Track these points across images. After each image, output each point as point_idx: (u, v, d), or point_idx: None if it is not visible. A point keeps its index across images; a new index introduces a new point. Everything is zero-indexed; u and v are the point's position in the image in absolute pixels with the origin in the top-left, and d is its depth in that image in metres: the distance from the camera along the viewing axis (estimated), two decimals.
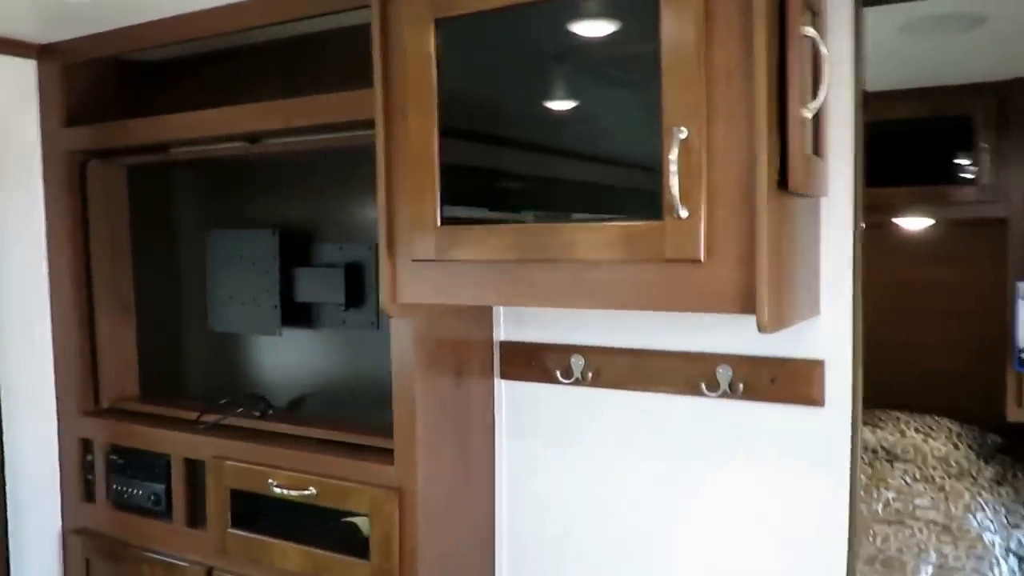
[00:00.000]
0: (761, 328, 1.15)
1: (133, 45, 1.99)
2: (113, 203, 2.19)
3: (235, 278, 2.01)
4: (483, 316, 1.77)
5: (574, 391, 1.71)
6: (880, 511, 2.89)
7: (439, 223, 1.42)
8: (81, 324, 2.15)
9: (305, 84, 1.88)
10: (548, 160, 1.38)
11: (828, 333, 1.46)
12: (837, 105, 1.42)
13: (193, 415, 2.00)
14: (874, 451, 3.55)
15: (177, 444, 1.97)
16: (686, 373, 1.57)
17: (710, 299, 1.20)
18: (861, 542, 1.62)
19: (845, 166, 1.43)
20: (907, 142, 3.39)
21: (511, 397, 1.80)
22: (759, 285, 1.15)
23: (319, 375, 2.05)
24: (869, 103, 3.27)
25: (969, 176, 3.21)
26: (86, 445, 2.16)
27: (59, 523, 2.20)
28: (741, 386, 1.51)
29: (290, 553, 1.76)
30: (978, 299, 3.70)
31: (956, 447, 3.39)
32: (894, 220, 3.50)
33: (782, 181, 1.18)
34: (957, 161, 3.26)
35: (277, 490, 1.75)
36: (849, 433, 1.45)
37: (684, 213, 1.18)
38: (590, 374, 1.67)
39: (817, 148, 1.36)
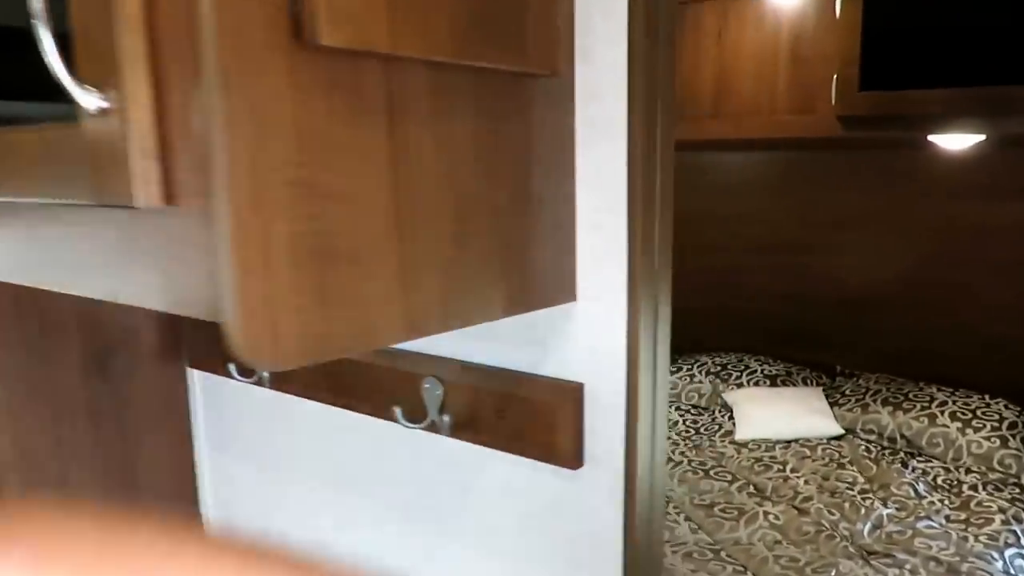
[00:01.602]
0: (239, 354, 0.52)
1: None
2: None
3: None
4: None
5: (258, 394, 1.11)
6: (865, 535, 2.07)
7: None
8: None
9: None
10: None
11: (591, 336, 0.80)
12: None
13: None
14: (890, 440, 2.68)
15: None
16: (384, 387, 0.94)
17: (173, 290, 0.57)
18: None
19: (613, 22, 0.74)
20: (950, 27, 2.42)
21: (209, 395, 1.21)
22: (221, 262, 0.51)
23: None
24: None
25: None
26: None
27: None
28: (448, 419, 0.87)
29: None
30: None
31: (1004, 442, 2.51)
32: (930, 138, 2.59)
33: (300, 29, 0.53)
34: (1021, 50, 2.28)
35: None
36: (621, 521, 0.80)
37: (96, 102, 0.54)
38: (267, 372, 1.06)
39: None
